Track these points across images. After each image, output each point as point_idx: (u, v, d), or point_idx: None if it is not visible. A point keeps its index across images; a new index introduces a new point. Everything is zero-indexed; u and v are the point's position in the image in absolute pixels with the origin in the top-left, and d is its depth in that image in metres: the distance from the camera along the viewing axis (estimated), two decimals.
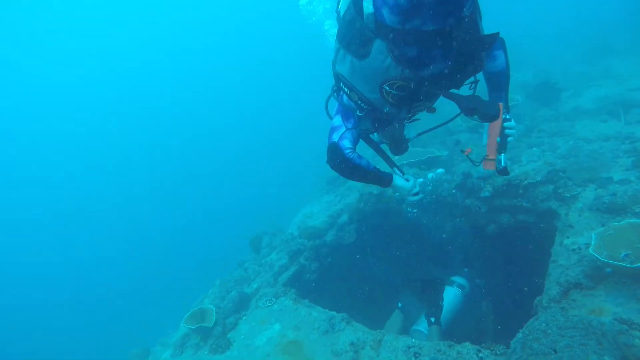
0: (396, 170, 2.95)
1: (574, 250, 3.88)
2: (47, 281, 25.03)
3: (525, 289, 4.46)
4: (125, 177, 35.92)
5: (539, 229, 4.96)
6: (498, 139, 2.63)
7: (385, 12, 1.76)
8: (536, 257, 4.73)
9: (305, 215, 7.66)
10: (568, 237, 4.10)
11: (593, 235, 3.47)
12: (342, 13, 2.07)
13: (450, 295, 4.79)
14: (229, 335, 4.93)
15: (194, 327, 4.88)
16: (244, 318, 5.19)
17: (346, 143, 2.43)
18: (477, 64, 1.94)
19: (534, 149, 5.84)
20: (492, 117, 2.04)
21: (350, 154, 2.44)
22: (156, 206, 31.12)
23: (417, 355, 3.61)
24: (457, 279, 5.00)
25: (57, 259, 27.76)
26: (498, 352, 3.23)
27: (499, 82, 2.51)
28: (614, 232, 3.42)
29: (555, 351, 2.54)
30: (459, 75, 2.00)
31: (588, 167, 4.75)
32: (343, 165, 2.46)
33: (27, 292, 24.40)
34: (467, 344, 3.47)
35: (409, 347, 3.75)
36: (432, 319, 4.44)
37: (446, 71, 1.91)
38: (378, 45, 1.87)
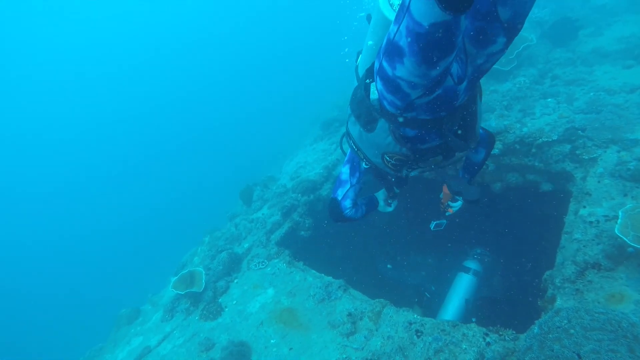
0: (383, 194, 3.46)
1: (591, 223, 3.57)
2: (36, 248, 25.07)
3: (529, 264, 4.23)
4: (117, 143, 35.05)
5: (550, 191, 4.63)
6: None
7: (385, 103, 1.90)
8: (546, 224, 4.46)
9: (299, 165, 7.25)
10: (585, 207, 3.77)
11: (620, 213, 3.13)
12: (359, 71, 2.37)
13: (467, 283, 4.58)
14: (220, 300, 4.75)
15: (183, 293, 4.68)
16: (235, 281, 4.99)
17: (347, 203, 2.90)
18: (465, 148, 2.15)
19: (549, 99, 5.31)
20: (472, 203, 2.79)
21: (349, 212, 2.93)
22: (144, 162, 30.58)
23: (419, 333, 3.43)
24: (472, 265, 4.71)
25: (44, 223, 27.56)
26: (507, 338, 3.04)
27: (471, 169, 3.07)
28: None
29: (579, 357, 2.31)
30: (450, 152, 2.26)
31: (611, 125, 4.29)
32: (340, 221, 3.00)
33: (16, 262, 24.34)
34: (473, 325, 3.28)
35: (411, 324, 3.57)
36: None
37: (439, 148, 2.17)
38: (382, 124, 2.10)
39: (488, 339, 3.09)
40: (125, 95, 40.48)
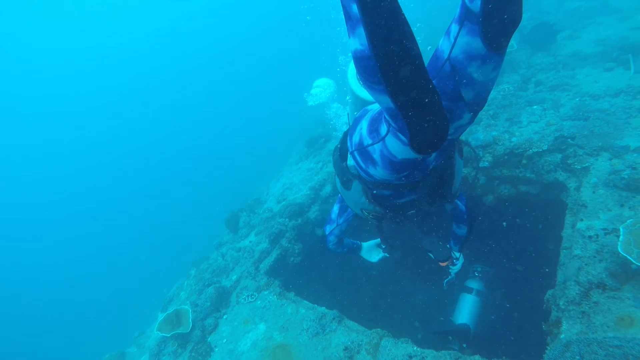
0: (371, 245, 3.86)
1: (590, 237, 3.44)
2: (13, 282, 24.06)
3: (519, 267, 4.10)
4: (97, 169, 34.29)
5: (543, 202, 4.51)
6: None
7: (360, 172, 1.98)
8: (541, 236, 4.33)
9: (285, 186, 7.05)
10: (582, 220, 3.64)
11: (621, 229, 3.00)
12: (350, 106, 2.81)
13: (471, 304, 4.38)
14: (209, 339, 4.48)
15: (169, 335, 4.40)
16: (224, 317, 4.73)
17: (332, 238, 3.29)
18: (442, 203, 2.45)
19: (535, 106, 5.23)
20: (442, 261, 3.13)
21: (332, 247, 3.42)
22: (125, 191, 29.93)
23: None
24: (474, 284, 4.51)
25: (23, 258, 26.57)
26: None
27: (458, 240, 3.35)
28: None
29: None
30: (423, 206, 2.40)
31: (600, 132, 4.20)
32: (327, 249, 3.48)
33: None
34: (477, 357, 3.09)
35: (411, 357, 3.37)
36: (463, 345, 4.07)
37: (416, 201, 2.30)
38: (356, 185, 2.23)
39: None
40: (106, 122, 39.67)
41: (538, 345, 3.16)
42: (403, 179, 1.81)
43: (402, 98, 1.17)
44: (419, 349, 3.43)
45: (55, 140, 38.95)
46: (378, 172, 1.74)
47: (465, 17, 1.30)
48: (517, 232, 4.95)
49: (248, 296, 4.76)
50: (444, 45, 1.45)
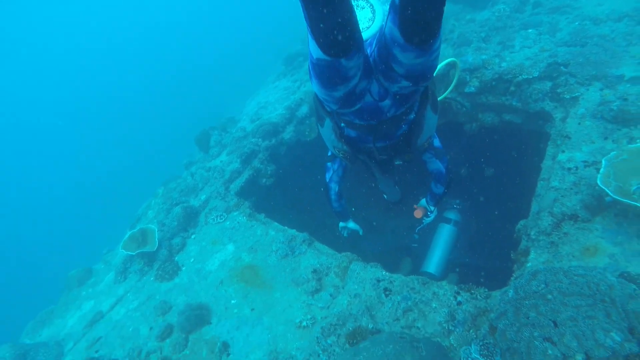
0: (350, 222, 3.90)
1: (569, 169, 3.34)
2: None
3: (496, 212, 4.11)
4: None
5: (526, 132, 4.37)
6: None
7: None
8: (522, 167, 4.24)
9: (260, 105, 6.65)
10: (563, 152, 3.52)
11: (603, 162, 2.88)
12: None
13: (448, 233, 4.58)
14: (176, 258, 4.41)
15: (134, 254, 4.29)
16: (192, 237, 4.63)
17: (333, 185, 3.30)
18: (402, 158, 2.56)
19: (530, 30, 4.85)
20: (393, 203, 3.48)
21: (333, 195, 3.38)
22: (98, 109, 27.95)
23: (387, 291, 3.25)
24: (452, 215, 4.67)
25: None
26: (479, 296, 2.88)
27: (434, 197, 3.40)
28: (629, 157, 2.83)
29: (555, 324, 2.14)
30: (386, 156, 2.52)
31: (596, 60, 3.93)
32: (327, 201, 3.47)
33: None
34: (444, 282, 3.11)
35: (379, 281, 3.38)
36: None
37: (375, 151, 2.42)
38: (328, 122, 2.29)
39: (459, 298, 2.93)
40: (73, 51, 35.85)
41: (506, 273, 3.20)
42: (342, 103, 1.84)
43: None
44: (387, 273, 3.43)
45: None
46: (315, 85, 1.75)
47: (392, 4, 1.32)
48: (497, 162, 4.86)
49: (217, 216, 4.63)
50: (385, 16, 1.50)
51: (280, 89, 6.81)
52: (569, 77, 3.94)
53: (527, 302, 2.28)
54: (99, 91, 30.53)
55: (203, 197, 5.09)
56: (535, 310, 2.22)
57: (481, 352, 2.48)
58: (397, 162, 2.70)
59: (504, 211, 4.62)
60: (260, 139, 5.54)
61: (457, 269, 4.72)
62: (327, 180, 3.29)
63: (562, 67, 4.03)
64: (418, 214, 3.66)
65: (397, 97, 1.91)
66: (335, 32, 1.28)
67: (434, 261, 4.51)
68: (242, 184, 5.15)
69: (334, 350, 2.89)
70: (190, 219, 4.77)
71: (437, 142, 2.95)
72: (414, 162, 2.78)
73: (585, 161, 3.33)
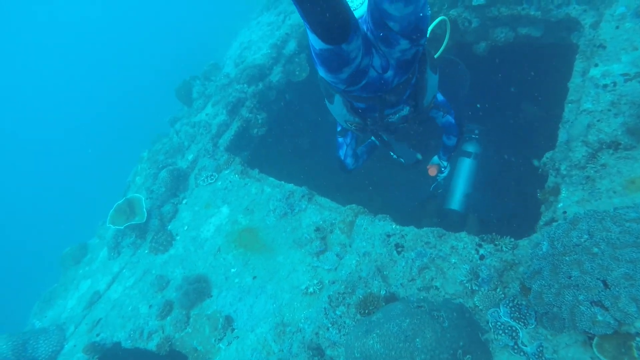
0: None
1: (605, 86, 2.80)
2: None
3: (505, 156, 3.65)
4: None
5: (548, 46, 3.73)
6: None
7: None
8: (545, 90, 3.67)
9: (243, 46, 5.96)
10: (596, 65, 2.95)
11: None
12: None
13: (468, 168, 4.31)
14: (169, 227, 4.10)
15: (122, 228, 3.97)
16: (184, 202, 4.27)
17: (349, 161, 3.27)
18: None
19: None
20: (410, 166, 3.38)
21: (352, 166, 3.30)
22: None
23: (399, 248, 2.90)
24: (471, 148, 4.31)
25: None
26: (504, 248, 2.51)
27: (447, 150, 3.33)
28: None
29: (606, 285, 1.76)
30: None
31: None
32: (348, 174, 3.40)
33: None
34: (463, 234, 2.73)
35: (389, 236, 3.02)
36: None
37: (385, 119, 2.45)
38: (338, 98, 2.36)
39: (482, 251, 2.57)
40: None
41: (533, 216, 2.80)
42: (349, 83, 1.93)
43: None
44: (398, 226, 3.07)
45: None
46: (320, 71, 1.87)
47: None
48: (513, 87, 4.28)
49: (207, 177, 4.23)
50: None
51: (264, 25, 6.04)
52: None
53: (567, 258, 1.89)
54: (79, 51, 28.82)
55: (190, 156, 4.65)
56: (578, 268, 1.84)
57: (512, 315, 2.15)
58: (408, 126, 2.68)
59: (524, 143, 4.14)
60: (245, 85, 4.96)
61: (477, 213, 4.42)
62: (342, 157, 3.25)
63: None
64: (432, 171, 3.59)
65: (399, 64, 1.96)
66: (331, 22, 1.41)
67: (456, 198, 4.33)
68: (232, 137, 4.68)
69: (344, 322, 2.61)
70: (179, 182, 4.39)
71: (441, 98, 2.95)
72: (425, 123, 2.81)
73: (625, 74, 2.77)
